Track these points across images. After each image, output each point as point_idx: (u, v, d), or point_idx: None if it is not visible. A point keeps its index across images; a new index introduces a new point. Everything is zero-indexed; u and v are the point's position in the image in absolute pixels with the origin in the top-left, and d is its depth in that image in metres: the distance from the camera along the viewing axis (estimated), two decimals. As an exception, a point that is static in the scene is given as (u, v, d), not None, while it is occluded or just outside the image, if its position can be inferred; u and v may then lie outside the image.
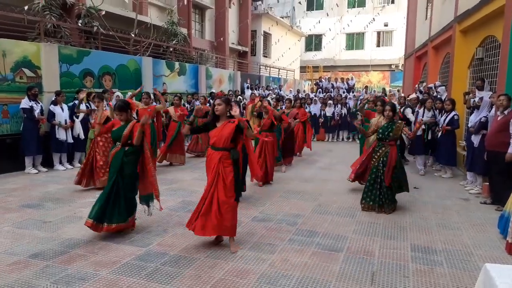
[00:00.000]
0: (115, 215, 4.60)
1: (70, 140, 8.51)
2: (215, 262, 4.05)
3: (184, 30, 17.54)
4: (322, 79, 23.11)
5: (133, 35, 13.59)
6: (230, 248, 4.39)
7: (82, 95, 8.28)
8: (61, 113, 8.37)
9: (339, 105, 14.59)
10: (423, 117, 8.80)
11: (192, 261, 4.07)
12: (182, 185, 7.32)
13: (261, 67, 24.40)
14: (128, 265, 3.95)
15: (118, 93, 8.97)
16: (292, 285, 3.60)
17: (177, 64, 14.16)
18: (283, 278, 3.73)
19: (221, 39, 21.25)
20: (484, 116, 6.63)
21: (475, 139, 6.76)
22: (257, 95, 15.27)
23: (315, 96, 16.93)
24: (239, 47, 24.53)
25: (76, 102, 8.67)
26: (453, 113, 8.08)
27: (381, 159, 5.77)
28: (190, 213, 5.57)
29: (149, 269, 3.86)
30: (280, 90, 20.94)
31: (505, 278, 2.05)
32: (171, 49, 15.34)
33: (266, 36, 27.81)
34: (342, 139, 14.80)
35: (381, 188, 5.75)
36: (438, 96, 10.11)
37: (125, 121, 4.78)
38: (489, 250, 4.45)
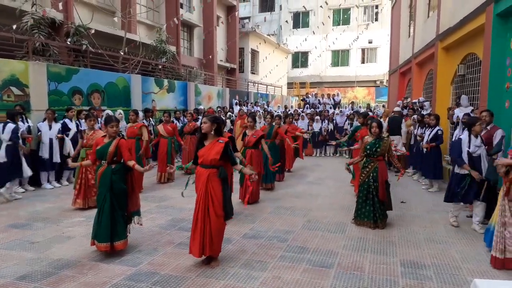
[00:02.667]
0: (121, 231, 4.66)
1: (57, 160, 8.40)
2: (206, 281, 4.04)
3: (173, 48, 17.69)
4: (309, 95, 23.41)
5: (122, 53, 13.65)
6: (211, 264, 4.41)
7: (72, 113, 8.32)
8: (47, 131, 8.29)
9: (326, 121, 14.78)
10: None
11: (183, 280, 4.05)
12: (171, 202, 7.29)
13: (249, 83, 24.64)
14: (118, 285, 3.91)
15: (107, 111, 8.96)
16: (284, 302, 3.61)
17: (166, 81, 14.22)
18: (275, 296, 3.74)
19: (210, 56, 21.44)
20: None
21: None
22: (245, 111, 15.41)
23: (302, 112, 17.13)
24: (228, 64, 24.77)
25: (67, 120, 8.64)
26: (437, 128, 8.27)
27: (371, 174, 5.86)
28: (181, 231, 5.63)
29: (140, 289, 3.83)
30: (268, 106, 21.14)
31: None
32: (160, 67, 15.42)
33: (254, 53, 28.16)
34: (329, 154, 14.93)
35: (374, 204, 5.82)
36: (424, 112, 10.34)
37: (111, 138, 4.79)
38: (477, 263, 4.53)
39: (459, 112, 7.93)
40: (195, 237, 4.33)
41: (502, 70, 6.82)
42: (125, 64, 13.67)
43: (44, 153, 8.25)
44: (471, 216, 6.37)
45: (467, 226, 5.94)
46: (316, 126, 14.61)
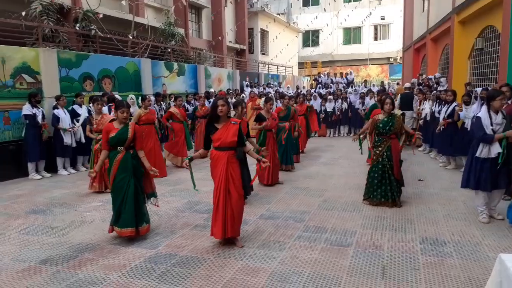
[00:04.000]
0: (145, 216, 4.74)
1: (74, 144, 8.50)
2: (225, 262, 4.05)
3: (182, 31, 17.52)
4: (321, 75, 23.08)
5: (131, 37, 13.56)
6: (237, 245, 4.43)
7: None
8: (65, 117, 8.36)
9: (340, 100, 14.56)
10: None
11: (202, 261, 4.07)
12: (186, 185, 7.31)
13: (260, 64, 24.38)
14: (138, 267, 3.95)
15: (117, 96, 8.95)
16: (304, 282, 3.60)
17: (175, 65, 14.13)
18: (294, 275, 3.73)
19: (219, 38, 21.21)
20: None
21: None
22: (257, 93, 15.27)
23: (315, 91, 16.92)
24: (237, 46, 24.51)
25: (75, 106, 8.68)
26: (454, 104, 8.06)
27: (385, 153, 5.74)
28: (197, 213, 5.65)
29: (159, 271, 3.86)
30: (280, 87, 20.92)
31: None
32: (169, 50, 15.32)
33: (264, 33, 27.78)
34: (344, 134, 14.76)
35: (391, 183, 5.72)
36: (440, 88, 10.09)
37: (121, 123, 4.71)
38: (498, 239, 4.44)
39: (476, 108, 7.06)
40: (218, 219, 4.32)
41: (523, 41, 6.57)
42: (134, 49, 13.60)
43: (67, 140, 8.29)
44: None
45: (487, 202, 5.83)
46: (329, 106, 14.42)
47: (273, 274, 3.76)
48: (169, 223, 5.25)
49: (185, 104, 11.55)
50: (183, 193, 6.80)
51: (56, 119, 8.23)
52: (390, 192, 5.72)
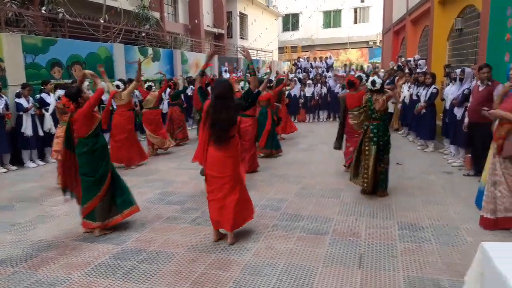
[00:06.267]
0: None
1: (41, 134, 8.07)
2: (196, 256, 3.85)
3: (156, 14, 16.93)
4: (301, 59, 22.82)
5: (102, 21, 13.00)
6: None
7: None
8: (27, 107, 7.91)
9: (319, 85, 14.38)
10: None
11: (172, 256, 3.86)
12: (160, 175, 7.05)
13: (239, 49, 23.92)
14: (103, 265, 3.71)
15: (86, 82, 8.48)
16: (278, 274, 3.44)
17: (150, 50, 13.65)
18: (268, 267, 3.56)
19: (196, 21, 20.62)
20: (467, 88, 6.51)
21: (458, 112, 6.67)
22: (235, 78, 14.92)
23: (294, 76, 16.68)
24: (215, 30, 23.93)
25: (43, 94, 8.24)
26: (432, 86, 7.98)
27: (379, 138, 5.28)
28: (169, 205, 5.41)
29: (125, 268, 3.64)
30: (259, 72, 20.59)
31: (504, 257, 1.91)
32: (143, 35, 14.78)
33: (242, 17, 27.22)
34: (323, 119, 14.63)
35: (382, 173, 5.38)
36: (419, 70, 10.01)
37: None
38: (475, 224, 4.35)
39: (455, 90, 7.06)
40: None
41: (502, 21, 6.45)
42: (107, 33, 13.05)
43: (27, 131, 7.86)
44: (468, 175, 6.24)
45: (465, 185, 5.78)
46: (309, 91, 14.23)
47: (246, 266, 3.59)
48: (139, 216, 4.98)
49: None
50: (156, 183, 6.53)
51: (20, 108, 7.78)
52: (382, 181, 5.43)
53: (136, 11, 15.66)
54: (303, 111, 14.30)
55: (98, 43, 11.49)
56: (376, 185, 5.39)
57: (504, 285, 1.74)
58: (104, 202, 4.41)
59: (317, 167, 7.34)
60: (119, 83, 7.95)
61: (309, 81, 14.52)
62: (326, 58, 21.82)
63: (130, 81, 10.52)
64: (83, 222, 4.44)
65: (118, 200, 4.53)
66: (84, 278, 3.47)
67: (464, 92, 6.53)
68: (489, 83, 5.63)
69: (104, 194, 4.40)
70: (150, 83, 9.18)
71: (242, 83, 9.36)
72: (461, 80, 6.82)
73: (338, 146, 6.98)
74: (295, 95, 14.02)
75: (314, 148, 9.26)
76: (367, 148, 5.26)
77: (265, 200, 5.47)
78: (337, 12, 34.21)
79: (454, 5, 9.27)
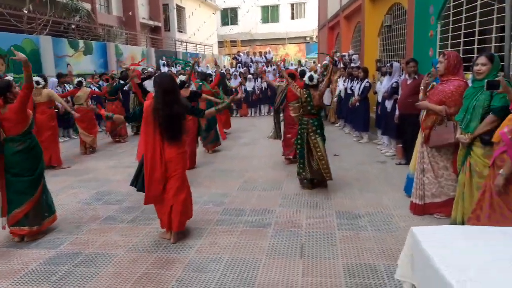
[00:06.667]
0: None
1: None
2: (137, 256, 3.71)
3: (87, 5, 16.03)
4: (241, 54, 22.88)
5: (26, 12, 12.03)
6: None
7: None
8: None
9: (259, 79, 14.51)
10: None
11: (111, 257, 3.69)
12: (96, 174, 6.71)
13: (177, 42, 23.42)
14: (35, 271, 3.46)
15: (9, 77, 7.84)
16: (222, 269, 3.42)
17: (81, 43, 12.92)
18: (211, 263, 3.53)
19: (130, 13, 19.81)
20: (395, 82, 6.90)
21: (388, 104, 7.05)
22: (175, 72, 14.60)
23: (235, 71, 16.67)
24: (151, 22, 23.18)
25: None
26: (365, 80, 8.36)
27: (315, 131, 5.37)
28: (106, 205, 5.16)
29: (60, 273, 3.42)
30: (199, 66, 20.31)
31: (430, 240, 2.04)
32: (73, 26, 13.92)
33: (180, 9, 26.65)
34: (264, 113, 14.79)
35: (322, 163, 5.42)
36: (353, 64, 10.44)
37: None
38: (407, 209, 4.62)
39: (386, 83, 7.38)
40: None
41: (426, 18, 6.92)
42: (31, 24, 12.11)
43: None
44: (400, 164, 6.62)
45: (397, 173, 6.13)
46: (249, 85, 14.30)
47: (189, 264, 3.53)
48: (74, 218, 4.72)
49: (91, 86, 10.60)
50: (92, 183, 6.20)
51: None
52: (324, 171, 5.49)
53: (65, 1, 14.71)
54: (245, 106, 14.36)
55: (22, 35, 10.68)
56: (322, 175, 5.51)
57: (430, 265, 1.86)
58: (39, 204, 4.13)
59: (259, 161, 7.41)
60: (39, 79, 7.20)
61: (250, 76, 14.60)
62: (266, 53, 22.08)
63: (60, 76, 9.92)
64: (11, 231, 4.10)
65: (49, 201, 4.31)
66: (13, 287, 3.20)
67: (393, 85, 6.92)
68: (416, 76, 5.99)
69: (39, 195, 4.13)
70: (80, 79, 8.64)
71: (181, 77, 9.15)
72: (390, 74, 7.22)
73: (278, 136, 7.10)
74: (236, 89, 13.99)
75: (256, 142, 9.34)
76: (315, 141, 5.35)
77: (208, 196, 5.42)
78: (275, 7, 34.69)
79: (383, 3, 9.78)
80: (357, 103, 8.37)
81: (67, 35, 13.45)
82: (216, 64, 20.96)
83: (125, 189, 5.82)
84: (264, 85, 14.33)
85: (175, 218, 3.89)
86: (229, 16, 35.40)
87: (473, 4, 5.72)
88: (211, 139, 8.10)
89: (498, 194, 3.03)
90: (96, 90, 10.28)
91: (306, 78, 5.44)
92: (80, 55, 12.74)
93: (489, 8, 5.33)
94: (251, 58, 21.30)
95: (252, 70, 16.66)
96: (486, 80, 3.21)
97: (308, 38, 34.52)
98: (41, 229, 4.20)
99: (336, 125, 10.99)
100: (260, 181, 6.07)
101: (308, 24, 33.51)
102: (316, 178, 5.54)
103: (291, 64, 21.18)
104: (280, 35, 34.57)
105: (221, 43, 33.34)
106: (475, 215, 3.33)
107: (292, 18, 34.95)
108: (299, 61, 21.33)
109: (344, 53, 12.71)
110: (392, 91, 6.92)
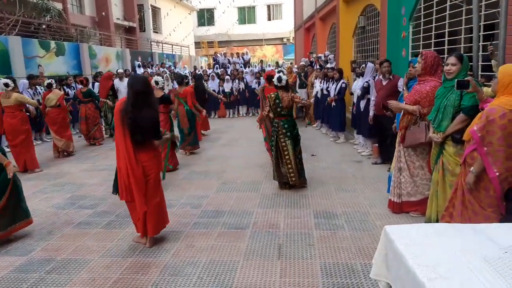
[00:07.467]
0: None
1: None
2: (111, 261, 3.63)
3: (59, 5, 15.63)
4: (218, 55, 22.79)
5: (-7, 11, 11.63)
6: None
7: None
8: None
9: (237, 80, 14.48)
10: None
11: (84, 263, 3.59)
12: (69, 178, 6.53)
13: (153, 43, 23.13)
14: (4, 280, 3.34)
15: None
16: (199, 272, 3.38)
17: (53, 43, 12.57)
18: (188, 266, 3.49)
19: (103, 14, 19.43)
20: (366, 82, 6.99)
21: (362, 104, 7.14)
22: (150, 73, 14.43)
23: (212, 72, 16.59)
24: (126, 23, 22.80)
25: None
26: (341, 81, 8.46)
27: (291, 132, 5.41)
28: (81, 209, 5.04)
29: (31, 281, 3.31)
30: (175, 68, 20.14)
31: (403, 238, 2.06)
32: (44, 26, 13.53)
33: (154, 10, 26.32)
34: (242, 114, 14.77)
35: (299, 163, 5.54)
36: (329, 65, 10.55)
37: None
38: (383, 207, 4.71)
39: (361, 83, 7.42)
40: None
41: (398, 19, 7.06)
42: (0, 25, 11.70)
43: None
44: (376, 163, 6.72)
45: (373, 173, 6.23)
46: (227, 86, 14.25)
47: (166, 268, 3.48)
48: (46, 223, 4.58)
49: (65, 87, 10.34)
50: (66, 187, 6.04)
51: None
52: (302, 172, 5.62)
53: (35, 1, 14.28)
54: (223, 107, 14.29)
55: (-10, 35, 10.28)
56: (299, 176, 5.54)
57: (403, 264, 1.88)
58: (6, 211, 3.98)
59: (237, 162, 7.39)
60: (8, 81, 6.81)
61: (227, 77, 14.55)
62: (243, 54, 22.07)
63: (31, 77, 9.62)
64: None
65: (23, 205, 4.18)
66: (-21, 299, 3.08)
67: (364, 85, 7.02)
68: (391, 77, 6.09)
69: (5, 203, 3.97)
70: (49, 81, 8.34)
71: (156, 77, 9.03)
72: (363, 74, 7.33)
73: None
74: (214, 90, 13.93)
75: (234, 143, 9.30)
76: (284, 144, 5.38)
77: (185, 198, 5.36)
78: (251, 9, 34.72)
79: (357, 4, 9.92)
80: (333, 103, 8.46)
81: (38, 36, 13.07)
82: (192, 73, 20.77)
83: (100, 193, 5.72)
84: (242, 86, 14.32)
85: (149, 223, 3.82)
86: (205, 17, 35.23)
87: (443, 6, 5.86)
88: (189, 141, 8.01)
89: (469, 191, 3.10)
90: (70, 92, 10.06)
91: (274, 79, 5.45)
92: (51, 56, 12.40)
93: (458, 9, 5.48)
94: (228, 59, 21.24)
95: (229, 71, 16.60)
96: (456, 80, 3.30)
97: (285, 39, 34.71)
98: (10, 233, 4.07)
99: (313, 125, 11.08)
100: (238, 182, 6.05)
101: (285, 25, 33.69)
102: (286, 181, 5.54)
103: (269, 65, 21.29)
104: (257, 36, 34.64)
105: (198, 44, 33.13)
106: (448, 213, 3.40)
107: (269, 19, 35.07)
108: (277, 62, 21.44)
109: (320, 54, 12.83)
110: (364, 91, 7.02)
